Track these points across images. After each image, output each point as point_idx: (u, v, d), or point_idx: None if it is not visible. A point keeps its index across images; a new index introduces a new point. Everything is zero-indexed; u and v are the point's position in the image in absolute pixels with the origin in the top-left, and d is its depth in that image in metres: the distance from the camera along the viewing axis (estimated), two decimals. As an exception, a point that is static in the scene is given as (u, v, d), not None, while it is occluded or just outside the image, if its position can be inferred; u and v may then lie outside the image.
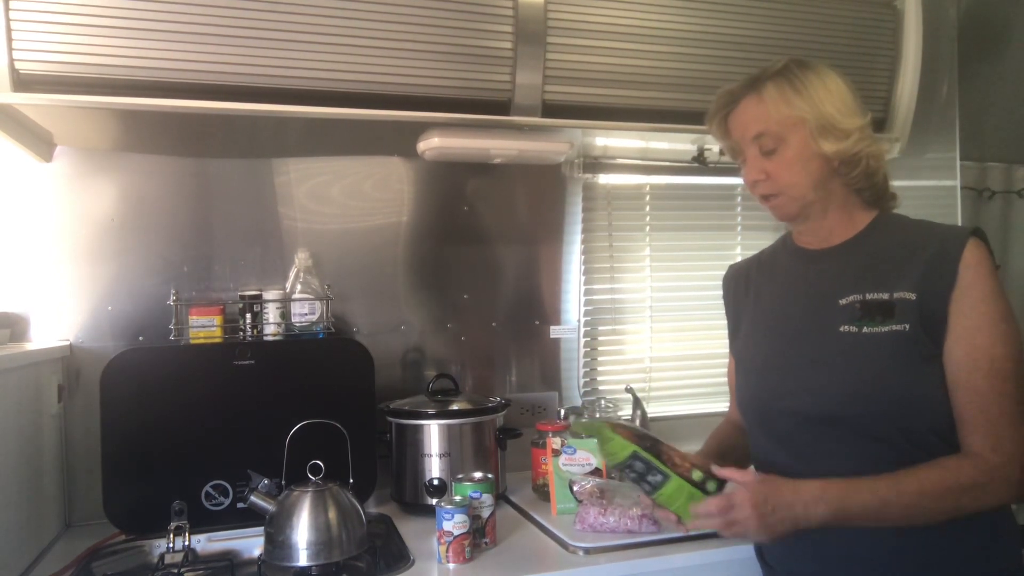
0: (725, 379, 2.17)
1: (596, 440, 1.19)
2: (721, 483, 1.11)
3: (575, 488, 1.58)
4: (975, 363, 1.05)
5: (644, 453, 1.10)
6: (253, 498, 1.40)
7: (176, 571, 1.41)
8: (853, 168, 1.16)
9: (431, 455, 1.67)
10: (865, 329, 1.11)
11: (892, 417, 1.08)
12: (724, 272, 1.44)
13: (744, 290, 1.35)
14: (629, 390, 2.03)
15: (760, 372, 1.25)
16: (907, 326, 1.08)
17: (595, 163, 2.11)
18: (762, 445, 1.25)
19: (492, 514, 1.45)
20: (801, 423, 1.16)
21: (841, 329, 1.13)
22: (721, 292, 1.43)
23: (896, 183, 1.24)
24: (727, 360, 1.40)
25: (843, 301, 1.14)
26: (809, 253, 1.24)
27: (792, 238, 1.29)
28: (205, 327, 1.68)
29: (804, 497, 1.05)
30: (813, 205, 1.18)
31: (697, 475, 1.10)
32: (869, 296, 1.12)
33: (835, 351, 1.13)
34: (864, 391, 1.09)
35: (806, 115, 1.14)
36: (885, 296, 1.11)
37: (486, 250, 2.01)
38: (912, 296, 1.09)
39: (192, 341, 1.67)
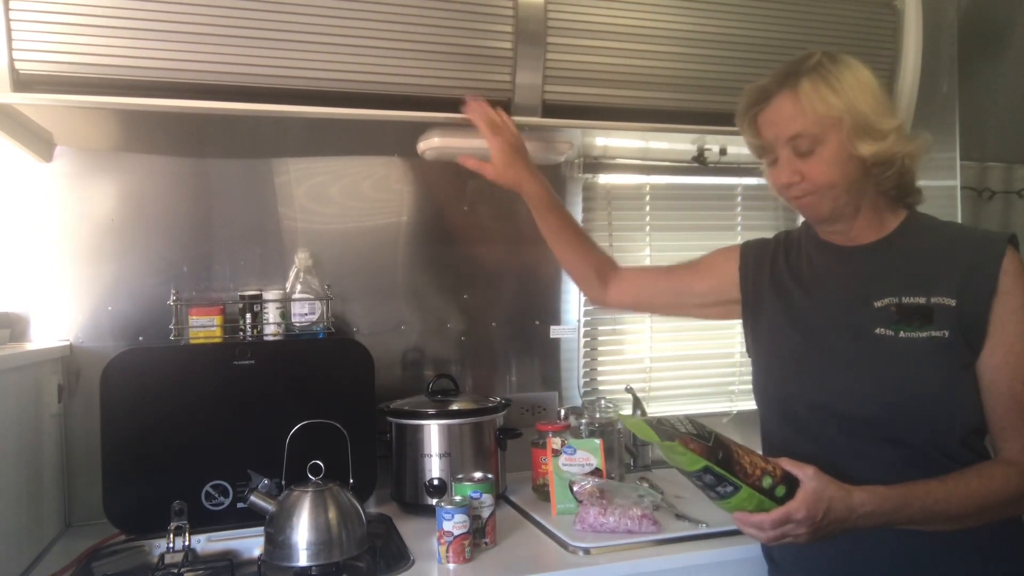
0: (725, 379, 2.16)
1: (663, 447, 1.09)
2: (789, 490, 1.05)
3: (575, 488, 1.58)
4: (1014, 370, 1.05)
5: (717, 468, 1.03)
6: (253, 498, 1.40)
7: (176, 571, 1.41)
8: (887, 169, 1.13)
9: (431, 455, 1.67)
10: (902, 334, 1.09)
11: (924, 424, 1.07)
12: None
13: (769, 273, 1.31)
14: (629, 390, 2.03)
15: (787, 366, 1.23)
16: (946, 333, 1.07)
17: (595, 163, 2.11)
18: (784, 436, 1.24)
19: (492, 514, 1.45)
20: (829, 420, 1.15)
21: (877, 332, 1.11)
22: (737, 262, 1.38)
23: (896, 183, 1.23)
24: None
25: (878, 303, 1.13)
26: (839, 249, 1.21)
27: (816, 231, 1.26)
28: (205, 327, 1.68)
29: (857, 512, 1.02)
30: (846, 206, 1.15)
31: (767, 482, 1.04)
32: (905, 300, 1.11)
33: (870, 353, 1.12)
34: (899, 396, 1.08)
35: (843, 115, 1.09)
36: (922, 300, 1.09)
37: (486, 250, 2.01)
38: (952, 302, 1.07)
39: (192, 341, 1.67)
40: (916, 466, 1.08)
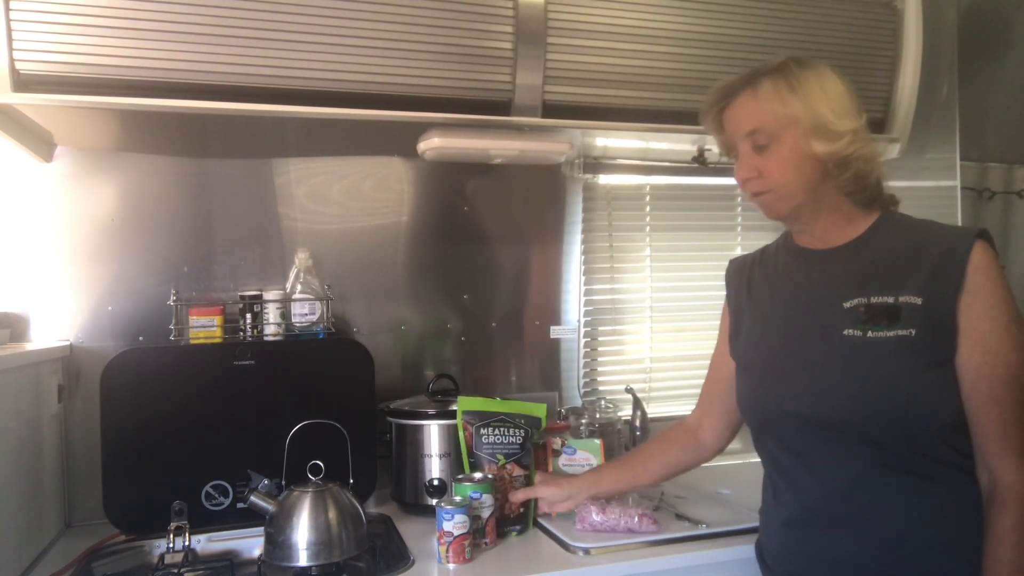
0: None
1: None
2: None
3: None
4: (993, 370, 1.05)
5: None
6: (253, 498, 1.40)
7: (176, 571, 1.41)
8: (844, 171, 1.14)
9: (431, 455, 1.67)
10: (870, 333, 1.10)
11: (896, 422, 1.07)
12: (725, 267, 1.42)
13: (747, 289, 1.34)
14: (629, 390, 2.03)
15: (762, 374, 1.24)
16: (913, 331, 1.07)
17: (595, 163, 2.11)
18: (766, 447, 1.25)
19: (492, 514, 1.45)
20: (804, 427, 1.15)
21: (845, 332, 1.12)
22: (724, 287, 1.42)
23: (896, 183, 1.23)
24: (717, 348, 1.40)
25: (847, 304, 1.13)
26: (811, 253, 1.23)
27: (792, 237, 1.28)
28: (205, 327, 1.68)
29: None
30: (804, 206, 1.17)
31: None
32: (874, 300, 1.11)
33: (839, 355, 1.12)
34: (868, 396, 1.08)
35: (800, 115, 1.12)
36: (890, 300, 1.09)
37: (486, 250, 2.01)
38: (918, 301, 1.07)
39: (192, 341, 1.67)
40: (893, 467, 1.08)
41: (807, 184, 1.15)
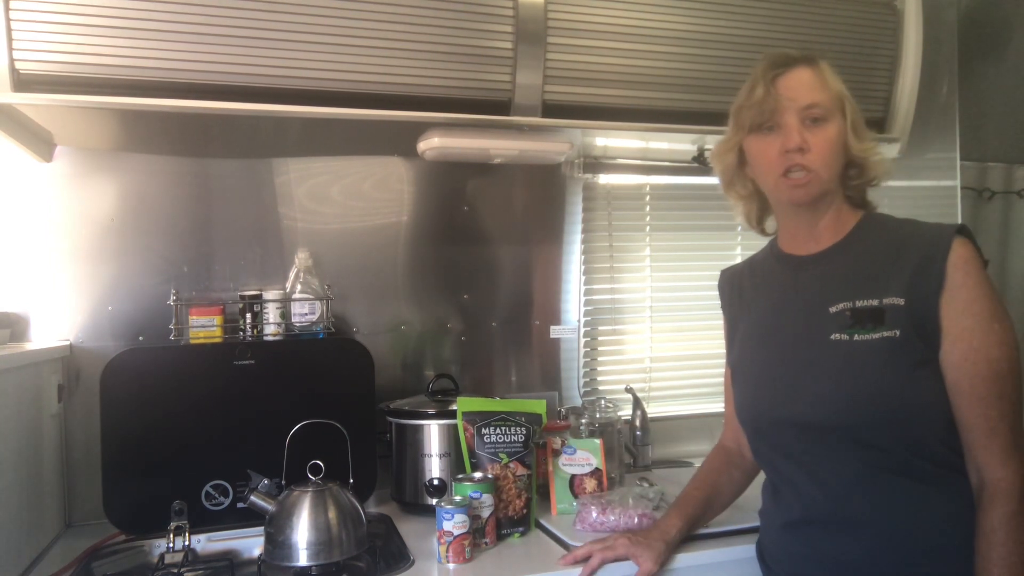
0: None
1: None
2: None
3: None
4: (974, 366, 1.05)
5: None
6: (253, 498, 1.40)
7: (176, 571, 1.41)
8: (860, 175, 1.18)
9: (431, 455, 1.67)
10: (856, 337, 1.10)
11: (888, 424, 1.07)
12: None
13: (738, 297, 1.35)
14: (629, 390, 2.04)
15: (754, 382, 1.25)
16: (897, 332, 1.07)
17: (595, 163, 2.11)
18: (763, 454, 1.25)
19: (492, 514, 1.45)
20: (798, 432, 1.16)
21: (832, 337, 1.12)
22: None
23: (896, 183, 1.25)
24: (726, 360, 1.40)
25: (833, 309, 1.14)
26: (796, 259, 1.23)
27: (778, 245, 1.29)
28: (205, 327, 1.68)
29: None
30: (826, 196, 1.18)
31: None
32: (859, 303, 1.11)
33: (827, 359, 1.12)
34: (858, 399, 1.08)
35: (847, 104, 1.16)
36: (875, 302, 1.10)
37: (486, 250, 2.01)
38: (901, 301, 1.08)
39: (192, 341, 1.67)
40: (889, 469, 1.08)
41: (836, 173, 1.17)
